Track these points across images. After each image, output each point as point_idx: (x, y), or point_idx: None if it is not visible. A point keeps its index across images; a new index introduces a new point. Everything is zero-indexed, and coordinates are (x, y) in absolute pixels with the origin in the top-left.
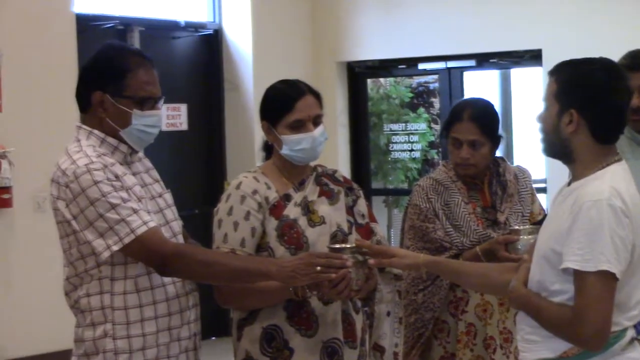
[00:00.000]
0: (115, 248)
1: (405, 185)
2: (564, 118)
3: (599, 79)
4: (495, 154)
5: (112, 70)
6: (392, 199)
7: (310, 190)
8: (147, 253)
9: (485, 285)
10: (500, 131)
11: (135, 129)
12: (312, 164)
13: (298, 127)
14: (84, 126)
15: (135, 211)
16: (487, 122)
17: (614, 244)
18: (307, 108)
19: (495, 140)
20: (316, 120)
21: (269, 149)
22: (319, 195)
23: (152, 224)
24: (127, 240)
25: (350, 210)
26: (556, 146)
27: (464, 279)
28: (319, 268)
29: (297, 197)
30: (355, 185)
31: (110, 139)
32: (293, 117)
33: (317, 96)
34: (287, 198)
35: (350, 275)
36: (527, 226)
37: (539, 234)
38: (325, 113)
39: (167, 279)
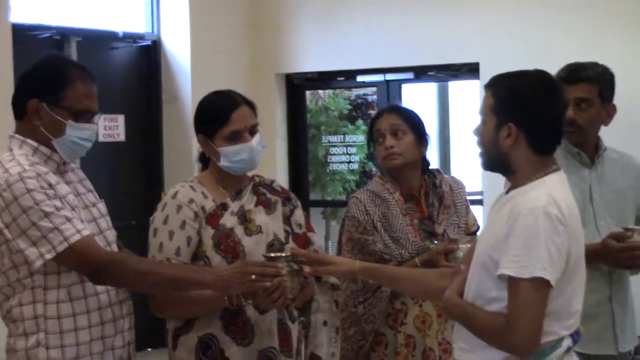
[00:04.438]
0: (48, 257)
1: (343, 197)
2: (502, 132)
3: (536, 92)
4: (425, 154)
5: (51, 79)
6: (330, 210)
7: (248, 200)
8: (80, 262)
9: (422, 291)
10: (427, 133)
11: (69, 140)
12: (250, 173)
13: (235, 138)
14: (16, 135)
15: (68, 219)
16: (406, 111)
17: (549, 252)
18: (243, 119)
19: (420, 136)
20: (252, 130)
21: (205, 160)
22: (256, 205)
23: (85, 233)
24: (60, 248)
25: (287, 220)
26: (495, 159)
27: (401, 285)
28: (253, 277)
29: (234, 206)
30: (292, 196)
31: (43, 148)
32: (229, 129)
33: (251, 106)
34: (223, 207)
35: (285, 283)
36: (466, 235)
37: (477, 242)
38: (264, 124)
39: (100, 288)
